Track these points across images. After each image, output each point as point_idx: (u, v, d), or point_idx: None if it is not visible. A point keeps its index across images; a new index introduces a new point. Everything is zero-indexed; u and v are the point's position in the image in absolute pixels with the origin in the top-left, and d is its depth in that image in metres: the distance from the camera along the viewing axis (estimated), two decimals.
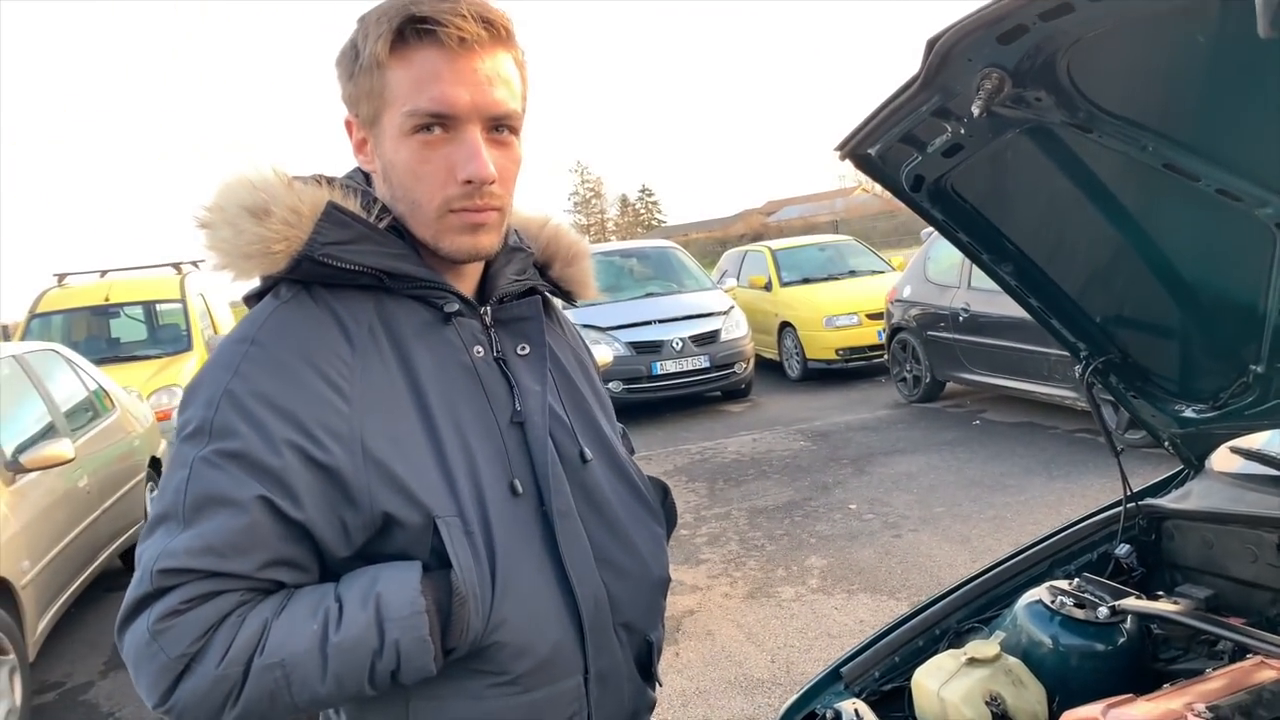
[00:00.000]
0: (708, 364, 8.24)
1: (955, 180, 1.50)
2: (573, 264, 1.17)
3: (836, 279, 9.84)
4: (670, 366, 8.16)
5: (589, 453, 1.04)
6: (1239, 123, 1.13)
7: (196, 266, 9.20)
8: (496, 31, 0.92)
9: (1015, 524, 4.55)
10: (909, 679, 1.47)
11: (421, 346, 0.96)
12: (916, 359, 7.58)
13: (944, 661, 1.42)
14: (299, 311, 0.93)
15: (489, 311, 1.02)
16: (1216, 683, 1.17)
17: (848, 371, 9.24)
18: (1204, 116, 1.16)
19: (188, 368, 7.59)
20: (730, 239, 35.04)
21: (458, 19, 0.89)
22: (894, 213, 31.34)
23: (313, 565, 0.91)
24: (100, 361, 6.50)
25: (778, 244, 11.12)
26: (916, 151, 1.44)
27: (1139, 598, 1.52)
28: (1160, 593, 1.67)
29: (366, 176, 1.02)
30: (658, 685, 1.12)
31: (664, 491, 1.17)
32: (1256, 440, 1.73)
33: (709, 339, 8.30)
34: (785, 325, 9.58)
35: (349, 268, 0.93)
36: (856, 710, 1.43)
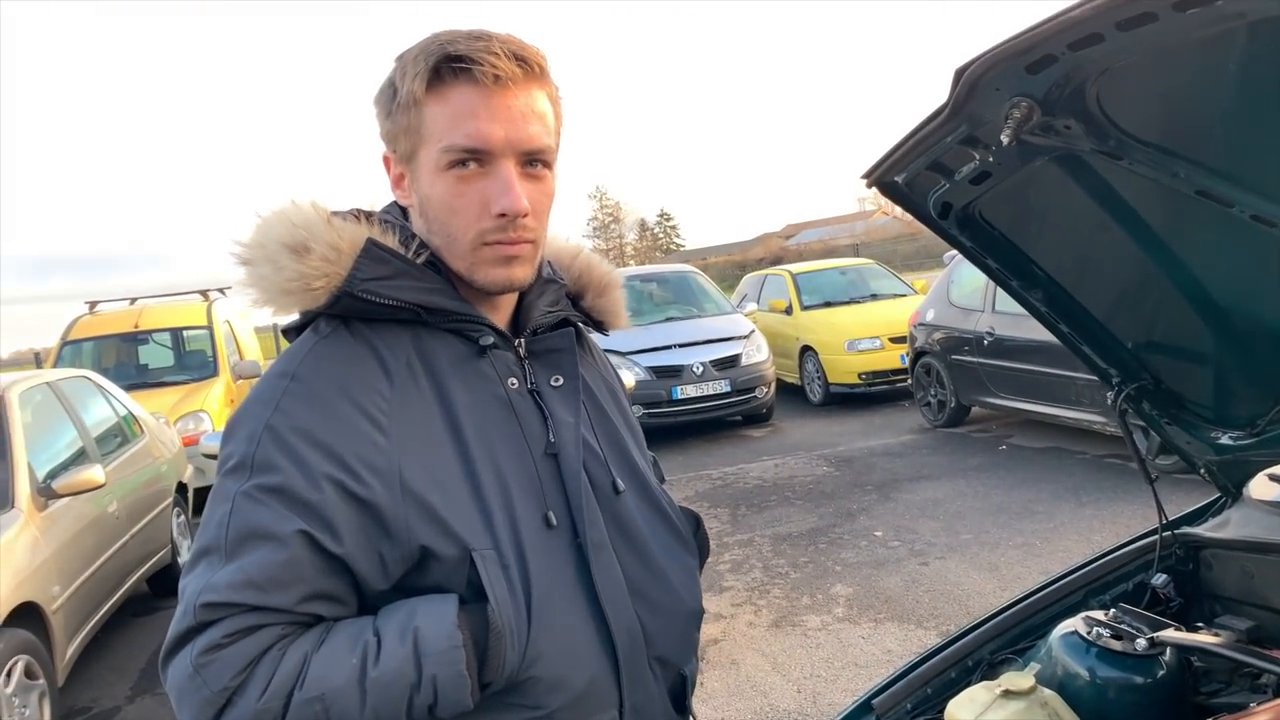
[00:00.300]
0: (728, 388, 8.22)
1: (983, 207, 1.50)
2: (604, 294, 1.18)
3: (858, 302, 9.81)
4: (691, 391, 8.14)
5: (622, 484, 1.04)
6: (1273, 148, 1.12)
7: (223, 294, 9.36)
8: (530, 69, 0.94)
9: (1044, 551, 4.48)
10: (942, 711, 1.45)
11: (457, 379, 0.97)
12: (941, 383, 7.51)
13: (978, 694, 1.39)
14: (338, 346, 0.95)
15: (523, 344, 1.03)
16: (1261, 718, 1.14)
17: (870, 396, 9.19)
18: (1236, 143, 1.15)
19: (214, 393, 7.69)
20: (749, 263, 35.07)
21: (492, 57, 0.91)
22: (915, 235, 31.23)
23: (351, 599, 0.92)
24: (129, 387, 6.59)
25: (798, 267, 11.12)
26: (944, 179, 1.44)
27: (1178, 629, 1.49)
28: (1199, 624, 1.63)
29: (403, 211, 1.04)
30: (692, 718, 1.11)
31: (696, 522, 1.17)
32: None
33: (730, 363, 8.28)
34: (806, 349, 9.54)
35: (388, 303, 0.94)
36: None
